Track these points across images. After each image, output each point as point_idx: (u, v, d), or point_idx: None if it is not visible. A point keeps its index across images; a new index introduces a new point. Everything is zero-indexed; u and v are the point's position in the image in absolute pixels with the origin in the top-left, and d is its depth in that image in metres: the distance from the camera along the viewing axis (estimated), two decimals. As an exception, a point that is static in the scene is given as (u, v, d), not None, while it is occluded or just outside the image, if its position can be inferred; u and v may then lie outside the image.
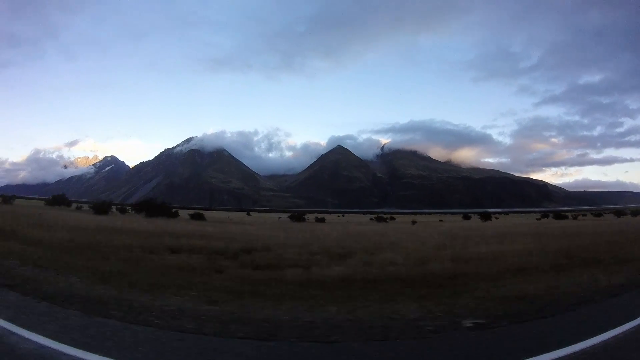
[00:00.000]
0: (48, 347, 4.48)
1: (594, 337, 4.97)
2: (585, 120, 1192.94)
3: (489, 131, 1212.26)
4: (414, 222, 63.65)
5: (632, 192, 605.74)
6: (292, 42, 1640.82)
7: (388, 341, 5.18)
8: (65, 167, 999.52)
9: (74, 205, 67.65)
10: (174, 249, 13.53)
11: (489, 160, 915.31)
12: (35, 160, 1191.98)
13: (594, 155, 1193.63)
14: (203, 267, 10.42)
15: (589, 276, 9.25)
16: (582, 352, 4.56)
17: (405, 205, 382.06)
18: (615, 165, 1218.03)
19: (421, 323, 5.81)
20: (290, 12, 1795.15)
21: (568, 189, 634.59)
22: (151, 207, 52.14)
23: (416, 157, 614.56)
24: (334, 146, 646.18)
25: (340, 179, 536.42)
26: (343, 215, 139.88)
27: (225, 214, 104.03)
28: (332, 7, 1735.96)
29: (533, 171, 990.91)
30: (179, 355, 4.54)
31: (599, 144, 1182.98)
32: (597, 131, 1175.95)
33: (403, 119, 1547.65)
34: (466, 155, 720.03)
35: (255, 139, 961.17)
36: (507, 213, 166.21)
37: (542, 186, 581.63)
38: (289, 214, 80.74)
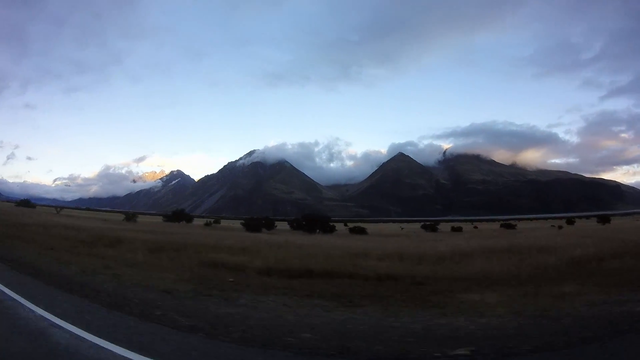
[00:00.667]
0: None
1: None
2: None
3: (554, 130, 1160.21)
4: (560, 227, 60.97)
5: None
6: (348, 52, 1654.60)
7: None
8: (134, 181, 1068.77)
9: (195, 220, 67.95)
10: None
11: (556, 161, 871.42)
12: (106, 175, 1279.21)
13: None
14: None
15: None
16: None
17: (470, 212, 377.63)
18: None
19: None
20: (343, 22, 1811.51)
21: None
22: (311, 222, 48.61)
23: (479, 161, 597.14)
24: (395, 153, 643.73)
25: (402, 186, 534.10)
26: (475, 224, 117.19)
27: (374, 226, 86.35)
28: (384, 13, 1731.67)
29: (603, 170, 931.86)
30: None
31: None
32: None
33: (464, 122, 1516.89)
34: (532, 157, 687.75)
35: (316, 149, 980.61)
36: (587, 217, 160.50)
37: (615, 187, 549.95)
38: (421, 224, 77.14)
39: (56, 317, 6.34)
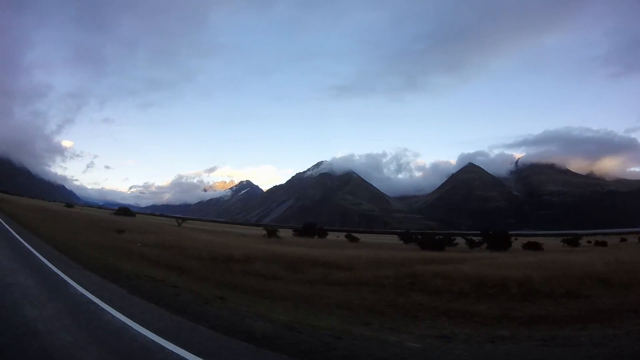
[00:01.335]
0: None
1: None
2: None
3: (633, 135, 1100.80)
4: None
5: None
6: (413, 61, 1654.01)
7: None
8: (205, 190, 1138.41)
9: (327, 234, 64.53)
10: None
11: (637, 170, 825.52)
12: (178, 184, 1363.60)
13: None
14: None
15: None
16: None
17: (546, 226, 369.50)
18: None
19: None
20: (407, 31, 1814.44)
21: None
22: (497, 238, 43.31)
23: (554, 171, 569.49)
24: (465, 164, 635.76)
25: (472, 198, 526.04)
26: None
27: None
28: (448, 20, 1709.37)
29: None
30: None
31: None
32: None
33: (536, 129, 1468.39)
34: (610, 166, 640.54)
35: (384, 160, 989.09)
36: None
37: None
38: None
39: None
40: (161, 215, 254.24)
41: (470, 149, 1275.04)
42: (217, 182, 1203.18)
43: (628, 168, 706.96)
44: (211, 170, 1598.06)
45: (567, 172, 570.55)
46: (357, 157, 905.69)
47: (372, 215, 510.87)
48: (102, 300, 8.68)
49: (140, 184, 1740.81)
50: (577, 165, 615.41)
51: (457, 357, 6.35)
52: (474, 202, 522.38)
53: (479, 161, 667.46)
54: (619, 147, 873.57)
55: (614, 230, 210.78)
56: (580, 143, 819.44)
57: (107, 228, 29.68)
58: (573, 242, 59.39)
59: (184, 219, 79.69)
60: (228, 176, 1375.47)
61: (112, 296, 9.29)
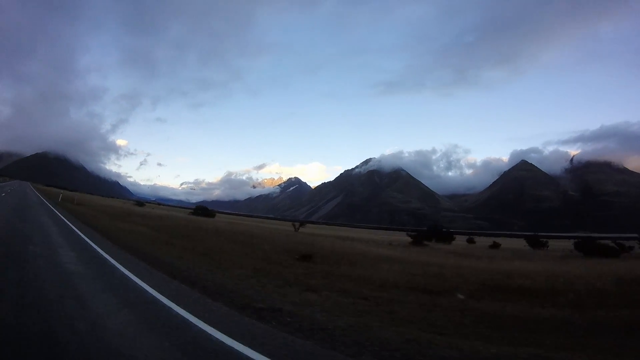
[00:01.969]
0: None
1: None
2: None
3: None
4: None
5: None
6: (463, 55, 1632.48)
7: None
8: (254, 187, 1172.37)
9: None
10: None
11: None
12: (228, 181, 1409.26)
13: None
14: None
15: None
16: None
17: (603, 229, 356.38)
18: None
19: None
20: (456, 24, 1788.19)
21: None
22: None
23: (611, 169, 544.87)
24: (517, 161, 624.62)
25: (526, 198, 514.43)
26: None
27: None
28: (498, 10, 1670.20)
29: None
30: None
31: None
32: None
33: (593, 124, 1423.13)
34: None
35: (434, 157, 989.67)
36: None
37: None
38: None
39: None
40: (246, 215, 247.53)
41: (523, 146, 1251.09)
42: (266, 179, 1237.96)
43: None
44: (260, 167, 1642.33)
45: (625, 171, 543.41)
46: (406, 154, 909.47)
47: (422, 214, 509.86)
48: None
49: (191, 180, 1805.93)
50: (636, 163, 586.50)
51: None
52: (527, 201, 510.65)
53: (532, 158, 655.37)
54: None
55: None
56: (639, 139, 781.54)
57: (282, 252, 17.44)
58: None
59: (301, 223, 63.16)
60: (277, 173, 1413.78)
61: None
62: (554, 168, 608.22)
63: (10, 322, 5.37)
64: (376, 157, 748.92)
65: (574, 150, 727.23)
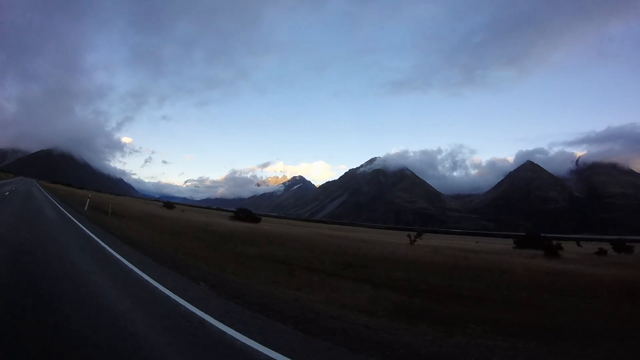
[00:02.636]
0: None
1: None
2: None
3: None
4: None
5: None
6: (471, 55, 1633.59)
7: None
8: (258, 185, 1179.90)
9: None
10: None
11: None
12: (232, 179, 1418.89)
13: None
14: None
15: None
16: None
17: (609, 231, 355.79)
18: None
19: None
20: (465, 24, 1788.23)
21: None
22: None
23: (616, 171, 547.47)
24: (523, 162, 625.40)
25: (531, 199, 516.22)
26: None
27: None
28: (507, 10, 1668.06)
29: None
30: None
31: None
32: None
33: (599, 126, 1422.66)
34: None
35: (439, 157, 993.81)
36: None
37: None
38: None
39: None
40: (307, 220, 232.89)
41: (529, 146, 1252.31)
42: (270, 177, 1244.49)
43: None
44: (265, 165, 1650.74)
45: (631, 173, 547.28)
46: (412, 154, 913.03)
47: (427, 214, 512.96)
48: None
49: (196, 178, 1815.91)
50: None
51: None
52: (532, 202, 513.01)
53: (538, 159, 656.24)
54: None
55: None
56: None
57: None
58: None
59: (418, 233, 47.84)
60: (281, 171, 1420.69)
61: None
62: (560, 169, 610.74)
63: None
64: (381, 156, 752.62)
65: (580, 152, 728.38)
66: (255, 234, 28.28)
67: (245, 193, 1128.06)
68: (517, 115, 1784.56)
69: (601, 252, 42.87)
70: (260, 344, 5.50)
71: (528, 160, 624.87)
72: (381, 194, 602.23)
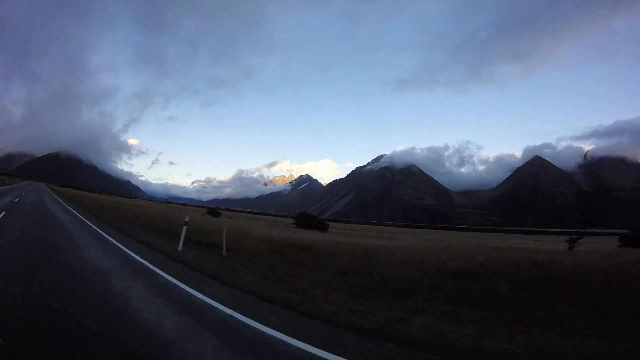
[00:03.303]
0: None
1: None
2: None
3: None
4: None
5: None
6: (476, 52, 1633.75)
7: None
8: (265, 184, 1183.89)
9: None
10: None
11: None
12: (239, 179, 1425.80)
13: None
14: None
15: None
16: None
17: (618, 226, 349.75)
18: None
19: None
20: (470, 21, 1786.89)
21: None
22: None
23: (625, 165, 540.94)
24: (531, 157, 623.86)
25: (539, 194, 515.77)
26: None
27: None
28: (512, 7, 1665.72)
29: None
30: None
31: None
32: None
33: (607, 120, 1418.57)
34: None
35: (446, 154, 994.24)
36: None
37: None
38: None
39: None
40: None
41: (536, 142, 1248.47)
42: (277, 177, 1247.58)
43: None
44: (271, 164, 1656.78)
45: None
46: (418, 151, 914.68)
47: (435, 211, 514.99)
48: None
49: (202, 178, 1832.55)
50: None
51: None
52: (540, 197, 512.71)
53: (545, 154, 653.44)
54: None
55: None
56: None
57: None
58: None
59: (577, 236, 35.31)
60: (288, 171, 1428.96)
61: None
62: (568, 164, 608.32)
63: None
64: (388, 153, 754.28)
65: (587, 146, 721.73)
66: (353, 249, 18.71)
67: (252, 193, 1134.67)
68: (524, 110, 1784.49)
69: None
70: None
71: (536, 156, 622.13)
72: (388, 191, 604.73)
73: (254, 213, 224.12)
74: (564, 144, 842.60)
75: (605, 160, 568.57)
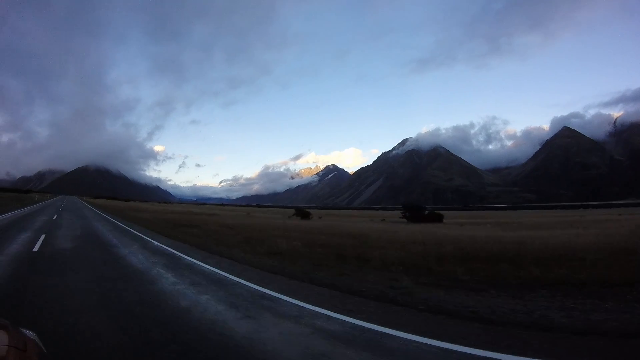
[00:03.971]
0: None
1: None
2: None
3: None
4: None
5: None
6: (493, 23, 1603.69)
7: None
8: (292, 178, 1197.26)
9: None
10: None
11: None
12: (266, 174, 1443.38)
13: None
14: None
15: None
16: None
17: None
18: None
19: None
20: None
21: None
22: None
23: None
24: (559, 128, 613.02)
25: (571, 166, 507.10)
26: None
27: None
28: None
29: None
30: None
31: None
32: None
33: (634, 82, 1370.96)
34: None
35: (472, 131, 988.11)
36: None
37: None
38: None
39: None
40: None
41: (563, 112, 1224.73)
42: (303, 169, 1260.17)
43: None
44: (297, 157, 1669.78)
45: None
46: (444, 131, 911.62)
47: (466, 191, 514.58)
48: None
49: (230, 177, 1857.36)
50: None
51: None
52: (573, 170, 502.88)
53: (574, 124, 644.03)
54: None
55: None
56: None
57: None
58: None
59: None
60: (313, 162, 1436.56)
61: None
62: (598, 132, 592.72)
63: None
64: (413, 136, 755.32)
65: (617, 112, 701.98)
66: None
67: (280, 187, 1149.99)
68: (548, 80, 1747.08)
69: None
70: None
71: (564, 126, 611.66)
72: (416, 174, 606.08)
73: (328, 208, 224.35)
74: (592, 112, 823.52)
75: (636, 126, 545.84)
